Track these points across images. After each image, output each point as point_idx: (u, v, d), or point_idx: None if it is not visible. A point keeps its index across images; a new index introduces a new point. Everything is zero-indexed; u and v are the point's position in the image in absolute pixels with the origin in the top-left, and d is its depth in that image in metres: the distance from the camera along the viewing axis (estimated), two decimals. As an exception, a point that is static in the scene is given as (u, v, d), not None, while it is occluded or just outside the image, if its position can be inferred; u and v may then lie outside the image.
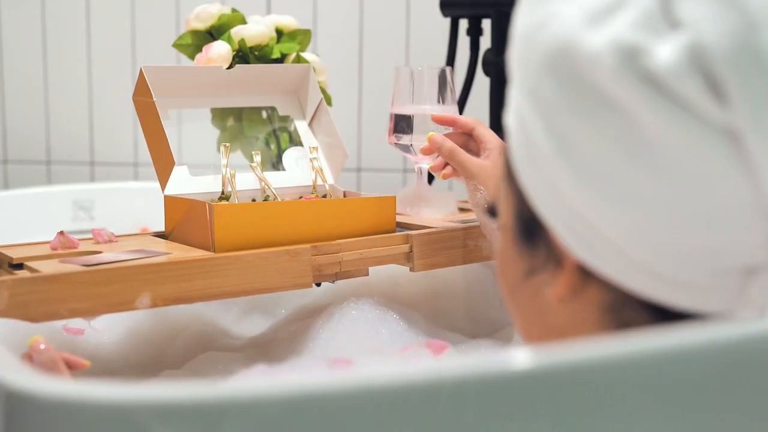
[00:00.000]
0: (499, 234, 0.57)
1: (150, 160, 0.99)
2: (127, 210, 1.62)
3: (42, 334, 0.95)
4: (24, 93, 1.84)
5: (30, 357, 0.69)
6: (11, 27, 1.82)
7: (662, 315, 0.48)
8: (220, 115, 1.20)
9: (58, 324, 0.98)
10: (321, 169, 1.06)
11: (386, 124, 1.13)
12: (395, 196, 0.99)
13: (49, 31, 1.83)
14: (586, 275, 0.50)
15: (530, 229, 0.52)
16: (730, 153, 0.43)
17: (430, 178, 1.34)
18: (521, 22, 0.50)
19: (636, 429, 0.42)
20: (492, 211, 0.59)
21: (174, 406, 0.46)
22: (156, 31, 1.80)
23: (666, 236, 0.45)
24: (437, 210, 1.13)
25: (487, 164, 0.98)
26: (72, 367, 0.71)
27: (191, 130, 1.24)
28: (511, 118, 0.51)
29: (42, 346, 0.69)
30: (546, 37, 0.48)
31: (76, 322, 0.98)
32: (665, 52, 0.43)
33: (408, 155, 1.15)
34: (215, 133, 1.24)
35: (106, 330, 0.99)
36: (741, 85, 0.42)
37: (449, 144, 0.99)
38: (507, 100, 0.53)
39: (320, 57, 1.29)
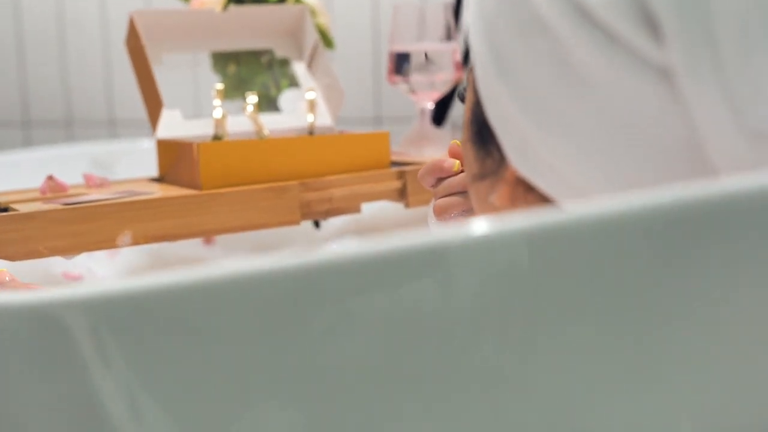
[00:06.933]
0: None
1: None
2: (148, 168, 1.62)
3: (41, 281, 0.95)
4: (42, 54, 1.85)
5: None
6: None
7: None
8: (220, 61, 1.18)
9: (57, 270, 0.99)
10: (317, 108, 1.05)
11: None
12: (388, 132, 0.97)
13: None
14: (528, 187, 0.48)
15: (483, 132, 0.50)
16: (664, 92, 0.40)
17: (438, 119, 1.31)
18: None
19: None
20: (462, 97, 0.57)
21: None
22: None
23: (600, 168, 0.43)
24: (440, 150, 1.10)
25: None
26: None
27: (188, 76, 1.23)
28: (470, 16, 0.49)
29: (7, 278, 0.69)
30: None
31: (75, 268, 0.99)
32: None
33: (410, 95, 1.13)
34: (216, 79, 1.23)
35: (105, 276, 1.00)
36: (676, 22, 0.39)
37: None
38: None
39: None
